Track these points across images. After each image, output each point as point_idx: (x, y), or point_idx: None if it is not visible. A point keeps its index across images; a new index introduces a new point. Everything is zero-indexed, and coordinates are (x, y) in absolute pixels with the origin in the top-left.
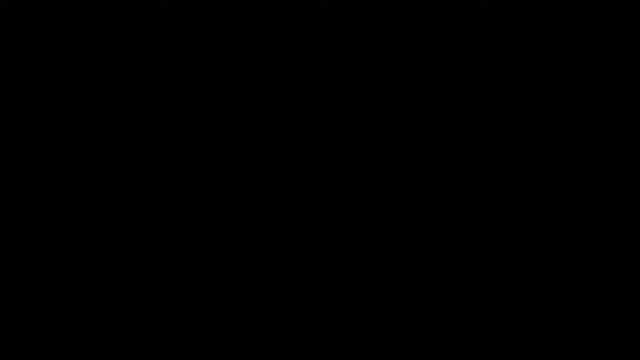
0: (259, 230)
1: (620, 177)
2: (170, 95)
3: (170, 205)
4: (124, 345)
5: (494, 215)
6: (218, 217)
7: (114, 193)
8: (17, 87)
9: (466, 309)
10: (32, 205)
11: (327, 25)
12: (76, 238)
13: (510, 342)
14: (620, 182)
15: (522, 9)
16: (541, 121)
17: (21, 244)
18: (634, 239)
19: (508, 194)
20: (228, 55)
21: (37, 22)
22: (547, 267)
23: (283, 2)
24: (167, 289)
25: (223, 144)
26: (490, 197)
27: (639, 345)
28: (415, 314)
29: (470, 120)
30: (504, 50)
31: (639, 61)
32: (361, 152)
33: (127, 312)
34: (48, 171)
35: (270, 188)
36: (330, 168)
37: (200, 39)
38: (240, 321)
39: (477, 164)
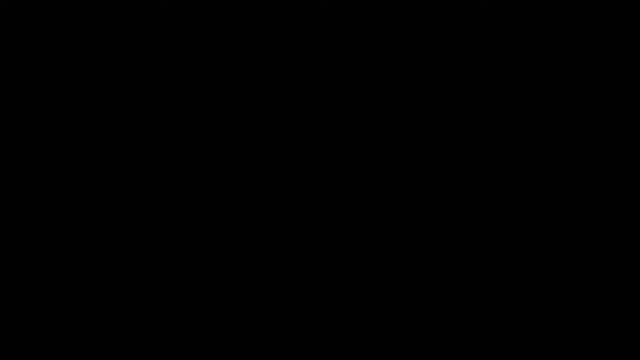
0: (259, 230)
1: (620, 177)
2: (170, 95)
3: (170, 205)
4: (124, 345)
5: (494, 215)
6: (218, 217)
7: (114, 193)
8: (17, 87)
9: (466, 309)
10: (32, 205)
11: (327, 25)
12: (76, 238)
13: (510, 342)
14: (620, 182)
15: (522, 9)
16: (541, 121)
17: (21, 244)
18: (634, 239)
19: (508, 194)
20: (228, 55)
21: (37, 22)
22: (547, 267)
23: (283, 2)
24: (167, 289)
25: (223, 144)
26: (491, 197)
27: (639, 345)
28: (415, 314)
29: (470, 120)
30: (504, 50)
31: (639, 61)
32: (361, 152)
33: (127, 312)
34: (48, 171)
35: (270, 188)
36: (330, 168)
37: (200, 39)
38: (240, 321)
39: (477, 164)
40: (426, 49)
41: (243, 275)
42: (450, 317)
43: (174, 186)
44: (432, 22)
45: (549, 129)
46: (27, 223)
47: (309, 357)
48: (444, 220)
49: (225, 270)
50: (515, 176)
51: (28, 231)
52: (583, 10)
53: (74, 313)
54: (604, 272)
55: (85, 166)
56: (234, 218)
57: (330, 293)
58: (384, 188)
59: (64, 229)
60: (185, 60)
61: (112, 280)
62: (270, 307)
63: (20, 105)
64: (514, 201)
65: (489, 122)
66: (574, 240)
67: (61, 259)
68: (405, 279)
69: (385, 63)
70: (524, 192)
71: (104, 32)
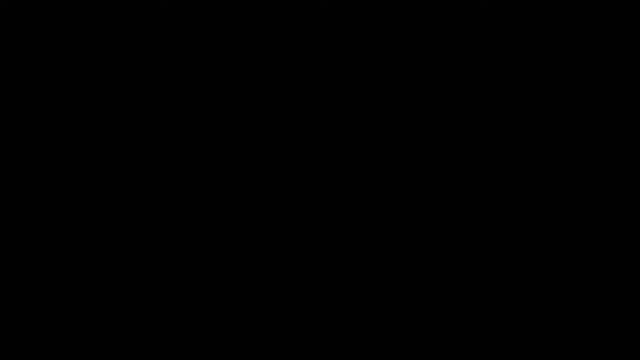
0: (259, 230)
1: (620, 177)
2: (170, 95)
3: (170, 205)
4: (124, 345)
5: (494, 215)
6: (218, 217)
7: (114, 193)
8: (17, 87)
9: (466, 309)
10: (32, 205)
11: (327, 25)
12: (76, 238)
13: (510, 342)
14: (620, 182)
15: (522, 9)
16: (541, 121)
17: (21, 244)
18: (634, 239)
19: (508, 194)
20: (228, 55)
21: (37, 22)
22: (547, 267)
23: (283, 2)
24: (167, 289)
25: (223, 144)
26: (491, 197)
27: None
28: (415, 314)
29: (470, 120)
30: (504, 50)
31: (639, 61)
32: (361, 152)
33: (127, 312)
34: (48, 171)
35: (270, 188)
36: (330, 168)
37: (200, 39)
38: (240, 321)
39: (477, 164)
40: (426, 49)
41: (243, 275)
42: (450, 317)
43: (174, 186)
44: (432, 22)
45: (549, 128)
46: (27, 223)
47: (309, 357)
48: (444, 220)
49: (225, 271)
50: (515, 176)
51: (28, 231)
52: (583, 10)
53: (74, 313)
54: (604, 272)
55: (86, 166)
56: (234, 218)
57: (330, 293)
58: (384, 188)
59: (64, 229)
60: (185, 60)
61: (112, 280)
62: (270, 307)
63: (20, 105)
64: (514, 201)
65: (489, 122)
66: (574, 240)
67: (61, 259)
68: (405, 279)
69: (385, 63)
70: (524, 192)
71: (104, 32)
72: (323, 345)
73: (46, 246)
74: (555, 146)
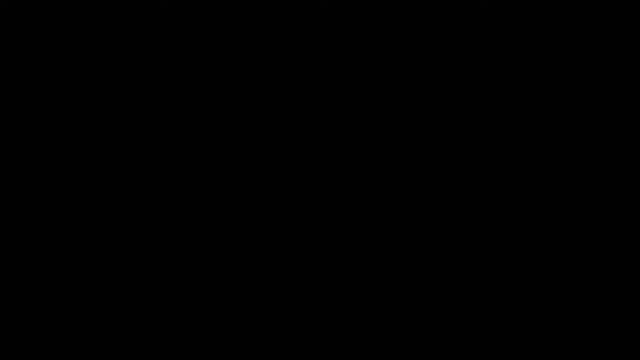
0: (259, 231)
1: (620, 177)
2: (170, 95)
3: (170, 205)
4: (124, 345)
5: (494, 215)
6: (218, 217)
7: (114, 193)
8: (17, 87)
9: (466, 309)
10: (32, 205)
11: (327, 25)
12: (76, 238)
13: (510, 342)
14: (620, 182)
15: (522, 9)
16: (541, 121)
17: (21, 244)
18: (634, 239)
19: (508, 194)
20: (228, 55)
21: (37, 22)
22: (547, 267)
23: (283, 2)
24: (167, 289)
25: (223, 144)
26: (490, 197)
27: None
28: (415, 314)
29: (470, 120)
30: (504, 50)
31: (639, 61)
32: (361, 152)
33: (127, 312)
34: (48, 171)
35: (270, 188)
36: (330, 168)
37: (200, 39)
38: (240, 321)
39: (477, 164)
40: (426, 49)
41: (243, 275)
42: (450, 317)
43: (174, 186)
44: (432, 22)
45: (548, 129)
46: (27, 223)
47: (309, 357)
48: (444, 220)
49: (225, 271)
50: (515, 176)
51: (28, 231)
52: (583, 10)
53: (74, 313)
54: (604, 272)
55: (86, 166)
56: (234, 218)
57: (330, 293)
58: (384, 188)
59: (64, 229)
60: (185, 60)
61: (112, 280)
62: (271, 307)
63: (20, 105)
64: (514, 201)
65: (489, 122)
66: (574, 241)
67: (61, 259)
68: (405, 279)
69: (385, 63)
70: (524, 192)
71: (104, 32)
72: (323, 345)
73: (46, 246)
74: (554, 146)
